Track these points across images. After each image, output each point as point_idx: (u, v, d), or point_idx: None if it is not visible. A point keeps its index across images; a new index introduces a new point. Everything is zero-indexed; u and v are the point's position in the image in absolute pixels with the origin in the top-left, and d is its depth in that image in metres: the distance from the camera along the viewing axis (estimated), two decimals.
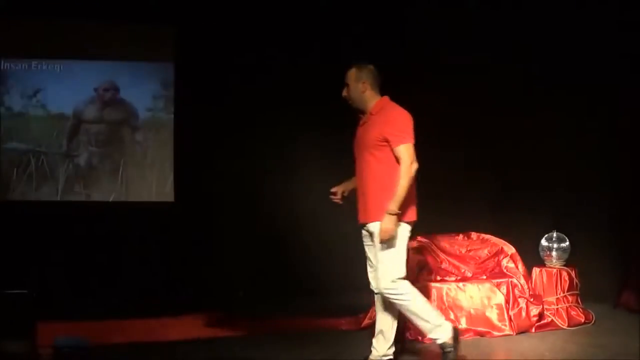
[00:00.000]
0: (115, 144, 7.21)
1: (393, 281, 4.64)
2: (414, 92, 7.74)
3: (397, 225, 4.56)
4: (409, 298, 4.66)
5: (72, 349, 4.86)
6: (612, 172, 6.99)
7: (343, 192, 4.99)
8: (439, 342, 4.73)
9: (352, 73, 4.82)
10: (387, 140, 4.61)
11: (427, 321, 4.71)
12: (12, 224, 6.82)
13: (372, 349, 4.91)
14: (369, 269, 4.92)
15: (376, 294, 4.90)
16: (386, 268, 4.65)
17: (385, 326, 4.87)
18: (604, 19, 6.81)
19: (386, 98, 4.82)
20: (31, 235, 6.87)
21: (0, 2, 6.70)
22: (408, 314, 4.72)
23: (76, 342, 4.99)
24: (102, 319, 6.37)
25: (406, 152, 4.57)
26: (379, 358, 4.87)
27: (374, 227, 4.64)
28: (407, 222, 4.67)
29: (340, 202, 4.98)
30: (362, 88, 4.76)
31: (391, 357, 4.90)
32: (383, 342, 4.87)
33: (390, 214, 4.53)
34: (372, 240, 4.71)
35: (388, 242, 4.60)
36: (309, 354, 5.38)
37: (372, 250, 4.78)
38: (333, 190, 4.99)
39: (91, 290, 7.02)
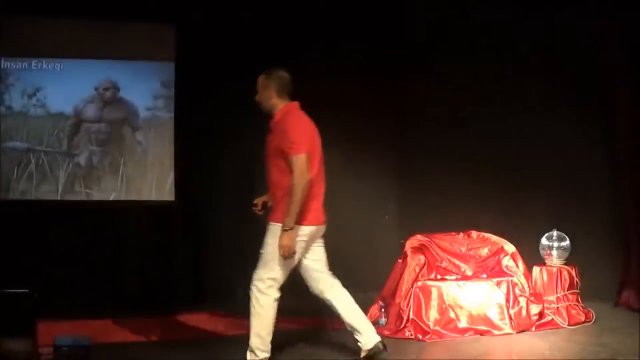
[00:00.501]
0: (116, 143, 7.20)
1: (261, 279, 4.70)
2: (416, 92, 7.80)
3: (292, 240, 4.62)
4: (260, 307, 4.71)
5: (73, 348, 4.86)
6: (612, 171, 6.99)
7: (265, 203, 5.02)
8: None
9: (260, 80, 4.88)
10: (283, 150, 4.66)
11: (253, 337, 4.75)
12: (12, 223, 6.81)
13: (359, 346, 4.93)
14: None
15: (320, 297, 4.94)
16: (262, 263, 4.72)
17: (351, 320, 4.90)
18: (604, 18, 6.83)
19: (290, 105, 4.86)
20: (31, 235, 6.86)
21: (0, 1, 6.69)
22: (251, 319, 4.75)
23: (76, 341, 4.98)
24: (102, 318, 6.37)
25: (297, 163, 4.61)
26: (367, 350, 4.87)
27: (270, 227, 4.73)
28: (299, 226, 4.70)
29: (260, 213, 5.01)
30: (268, 95, 4.82)
31: (379, 339, 4.89)
32: (360, 336, 4.89)
33: (285, 229, 4.60)
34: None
35: (270, 241, 4.69)
36: (309, 353, 5.38)
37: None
38: (255, 202, 5.02)
39: (91, 289, 7.01)
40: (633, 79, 6.69)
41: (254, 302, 4.73)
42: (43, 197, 6.99)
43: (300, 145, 4.63)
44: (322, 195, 4.90)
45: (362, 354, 4.91)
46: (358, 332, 4.89)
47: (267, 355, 4.78)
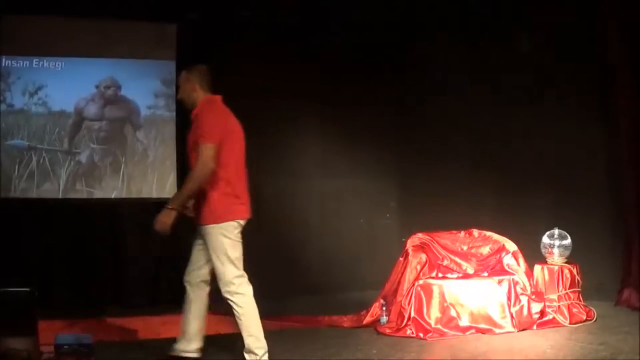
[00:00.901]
0: (117, 141, 7.20)
1: (231, 281, 4.69)
2: (417, 91, 7.81)
3: (170, 219, 4.57)
4: (240, 308, 4.70)
5: (74, 346, 4.85)
6: (613, 170, 6.99)
7: None
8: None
9: (183, 75, 4.92)
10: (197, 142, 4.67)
11: (249, 340, 4.72)
12: (13, 221, 6.81)
13: (173, 346, 4.94)
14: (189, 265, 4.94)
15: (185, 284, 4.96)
16: (222, 269, 4.70)
17: (189, 324, 4.90)
18: (604, 18, 6.83)
19: (211, 98, 4.86)
20: (33, 233, 6.86)
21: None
22: (239, 322, 4.73)
23: (78, 339, 4.98)
24: (104, 317, 6.38)
25: (202, 152, 4.60)
26: (178, 352, 4.89)
27: (203, 230, 4.72)
28: (224, 223, 4.67)
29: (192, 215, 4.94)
30: (191, 88, 4.85)
31: (195, 356, 4.92)
32: (182, 342, 4.91)
33: (168, 207, 4.59)
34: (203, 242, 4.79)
35: (214, 246, 4.67)
36: (310, 352, 5.38)
37: (197, 249, 4.86)
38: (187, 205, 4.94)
39: (92, 287, 7.02)
40: (633, 78, 6.68)
41: (234, 307, 4.71)
42: (44, 195, 6.99)
43: (209, 136, 4.63)
44: (245, 191, 4.84)
45: (171, 353, 4.92)
46: (185, 337, 4.90)
47: (265, 349, 4.77)
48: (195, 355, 4.93)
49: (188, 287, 4.92)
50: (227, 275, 4.69)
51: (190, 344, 4.92)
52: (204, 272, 4.89)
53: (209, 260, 4.82)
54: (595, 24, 6.84)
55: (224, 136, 4.69)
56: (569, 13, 6.93)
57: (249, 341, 4.74)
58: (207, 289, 4.94)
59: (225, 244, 4.68)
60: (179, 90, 4.95)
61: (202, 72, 4.88)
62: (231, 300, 4.72)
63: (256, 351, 4.73)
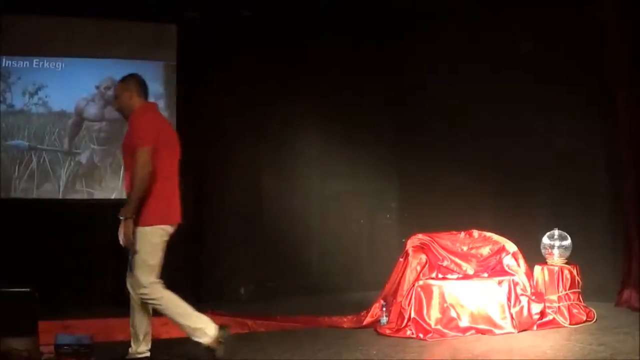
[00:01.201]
0: (117, 141, 7.17)
1: (144, 286, 4.73)
2: (417, 92, 7.80)
3: (130, 229, 4.67)
4: (161, 302, 4.74)
5: (74, 346, 4.86)
6: (613, 170, 6.99)
7: None
8: (203, 344, 4.74)
9: (120, 85, 4.97)
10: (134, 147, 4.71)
11: (186, 325, 4.75)
12: (13, 221, 6.82)
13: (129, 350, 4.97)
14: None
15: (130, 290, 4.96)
16: (137, 273, 4.75)
17: (137, 327, 4.91)
18: (604, 18, 6.83)
19: (147, 104, 4.92)
20: (33, 233, 6.86)
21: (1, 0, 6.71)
22: (166, 312, 4.77)
23: (78, 339, 4.98)
24: (103, 317, 6.38)
25: (139, 156, 4.66)
26: (134, 355, 4.91)
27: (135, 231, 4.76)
28: (149, 227, 4.73)
29: None
30: (129, 95, 4.90)
31: (144, 356, 4.94)
32: (135, 343, 4.92)
33: (122, 219, 4.68)
34: None
35: (138, 248, 4.71)
36: (310, 352, 5.38)
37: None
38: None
39: (92, 287, 7.02)
40: (633, 78, 6.68)
41: (153, 303, 4.76)
42: (44, 195, 7.00)
43: (144, 139, 4.69)
44: (176, 196, 4.90)
45: (128, 357, 4.94)
46: (137, 338, 4.92)
47: (206, 318, 4.78)
48: (147, 354, 4.95)
49: (132, 291, 4.93)
50: (142, 279, 4.74)
51: (142, 346, 4.93)
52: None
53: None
54: (595, 24, 6.84)
55: (157, 141, 4.73)
56: (569, 13, 6.93)
57: (183, 320, 4.75)
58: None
59: (147, 248, 4.73)
60: (116, 101, 4.98)
61: (138, 81, 4.95)
62: (149, 299, 4.75)
63: (197, 325, 4.73)
